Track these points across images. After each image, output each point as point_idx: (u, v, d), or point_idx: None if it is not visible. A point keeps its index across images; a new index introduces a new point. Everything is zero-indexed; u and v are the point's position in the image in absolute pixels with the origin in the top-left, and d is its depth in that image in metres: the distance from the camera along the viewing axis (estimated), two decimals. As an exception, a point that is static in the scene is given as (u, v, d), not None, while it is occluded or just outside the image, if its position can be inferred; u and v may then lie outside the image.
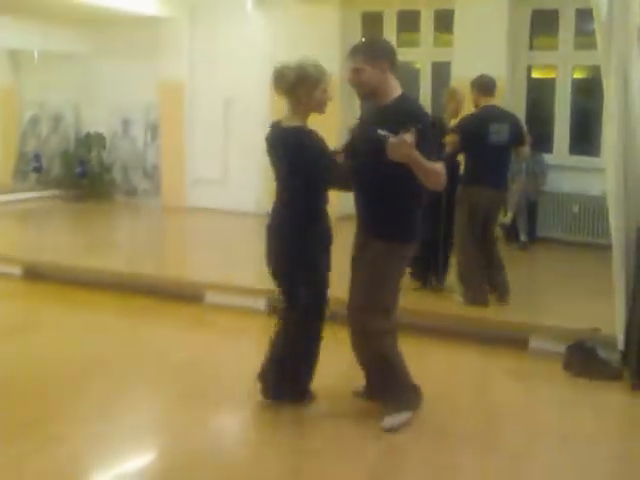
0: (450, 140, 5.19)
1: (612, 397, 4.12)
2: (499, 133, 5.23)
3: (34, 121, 11.24)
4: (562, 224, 7.80)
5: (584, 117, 8.32)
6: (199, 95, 9.61)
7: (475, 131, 5.22)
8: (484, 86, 5.35)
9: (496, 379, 4.38)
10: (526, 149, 5.64)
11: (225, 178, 9.53)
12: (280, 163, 3.48)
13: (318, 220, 3.48)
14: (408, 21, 8.67)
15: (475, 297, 5.24)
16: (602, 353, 4.44)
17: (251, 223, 7.75)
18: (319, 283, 3.55)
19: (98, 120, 10.46)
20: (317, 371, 3.71)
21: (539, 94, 8.63)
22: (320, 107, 3.41)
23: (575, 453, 3.44)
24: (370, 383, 3.67)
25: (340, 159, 3.52)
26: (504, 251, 5.84)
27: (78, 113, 10.75)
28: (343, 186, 3.61)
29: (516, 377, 4.41)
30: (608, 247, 4.53)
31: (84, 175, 10.38)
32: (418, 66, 8.75)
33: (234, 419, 3.80)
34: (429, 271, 5.62)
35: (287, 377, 3.59)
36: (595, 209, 7.52)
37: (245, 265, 6.42)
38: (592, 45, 4.80)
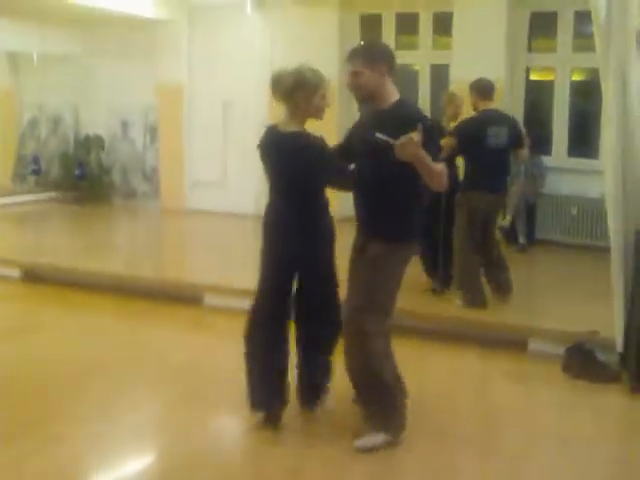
0: (447, 143, 5.20)
1: (611, 399, 4.12)
2: (497, 136, 5.24)
3: (33, 123, 11.24)
4: (561, 226, 7.81)
5: (582, 119, 8.33)
6: (198, 97, 9.62)
7: (473, 134, 5.23)
8: (483, 90, 5.36)
9: (495, 381, 4.38)
10: (525, 152, 5.65)
11: (224, 180, 9.53)
12: (276, 168, 3.44)
13: (327, 216, 3.49)
14: (407, 23, 8.67)
15: (474, 300, 5.25)
16: (601, 356, 4.45)
17: (250, 225, 7.74)
18: (334, 279, 3.58)
19: (97, 122, 10.46)
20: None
21: (538, 96, 8.64)
22: (318, 113, 3.39)
23: (574, 455, 3.44)
24: (357, 392, 3.55)
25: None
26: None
27: (77, 115, 10.74)
28: (343, 185, 3.59)
29: (515, 379, 4.41)
30: (607, 249, 4.53)
31: (83, 177, 10.38)
32: (417, 68, 8.76)
33: (233, 420, 3.81)
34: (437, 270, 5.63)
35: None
36: (594, 211, 7.52)
37: (244, 267, 6.40)
38: (591, 47, 4.82)
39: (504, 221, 7.44)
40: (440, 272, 5.66)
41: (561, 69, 8.05)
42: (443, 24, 8.36)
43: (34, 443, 3.40)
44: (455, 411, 3.90)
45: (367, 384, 3.43)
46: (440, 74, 8.44)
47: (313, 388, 3.69)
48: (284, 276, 3.49)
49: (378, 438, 3.37)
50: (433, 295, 5.57)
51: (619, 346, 4.37)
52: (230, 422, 3.82)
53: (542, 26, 8.19)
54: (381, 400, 3.41)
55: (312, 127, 3.41)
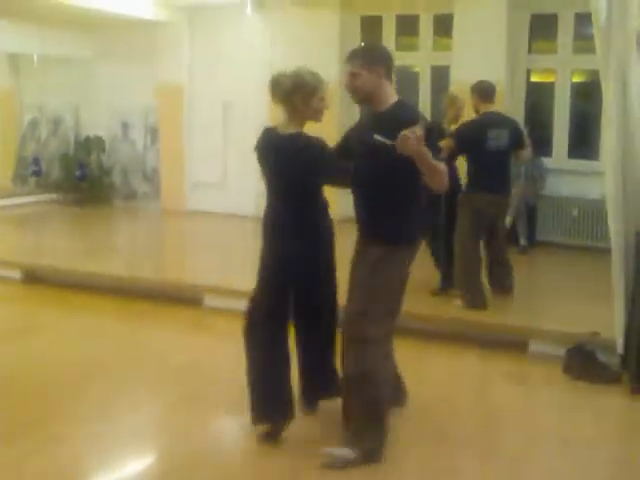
0: (446, 144, 5.21)
1: (611, 401, 4.12)
2: (498, 139, 5.25)
3: (33, 124, 11.24)
4: (561, 228, 7.81)
5: (583, 121, 8.34)
6: (198, 98, 9.63)
7: (473, 137, 5.24)
8: (484, 92, 5.37)
9: (496, 382, 4.38)
10: (526, 152, 5.65)
11: (224, 181, 9.54)
12: (275, 169, 3.41)
13: (326, 217, 3.48)
14: (407, 25, 8.68)
15: (474, 300, 5.25)
16: (601, 357, 4.45)
17: (250, 226, 7.74)
18: (333, 280, 3.57)
19: (97, 123, 10.47)
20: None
21: (538, 98, 8.64)
22: (317, 115, 3.38)
23: (575, 457, 3.44)
24: (346, 398, 3.41)
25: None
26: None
27: (77, 116, 10.75)
28: (344, 183, 3.57)
29: (516, 380, 4.41)
30: (607, 251, 4.53)
31: (83, 179, 10.39)
32: (417, 70, 8.76)
33: (233, 421, 3.80)
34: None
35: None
36: (594, 213, 7.53)
37: (244, 268, 6.39)
38: (591, 49, 4.82)
39: (505, 222, 7.43)
40: (440, 273, 5.67)
41: (561, 71, 8.05)
42: (443, 26, 8.36)
43: (34, 443, 3.40)
44: (455, 412, 3.90)
45: (360, 394, 3.30)
46: (440, 76, 8.44)
47: (314, 388, 3.69)
48: (282, 277, 3.45)
49: (350, 455, 3.22)
50: (432, 296, 5.57)
51: (620, 347, 4.37)
52: (230, 423, 3.82)
53: (542, 28, 8.19)
54: (369, 414, 3.28)
55: (313, 128, 3.40)
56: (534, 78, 8.49)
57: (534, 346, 4.79)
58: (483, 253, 5.53)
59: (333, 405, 3.60)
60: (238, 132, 9.13)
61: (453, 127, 5.55)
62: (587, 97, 8.37)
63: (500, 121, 5.38)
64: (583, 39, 7.85)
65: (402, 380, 3.85)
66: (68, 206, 10.26)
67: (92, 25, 9.76)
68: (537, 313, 5.28)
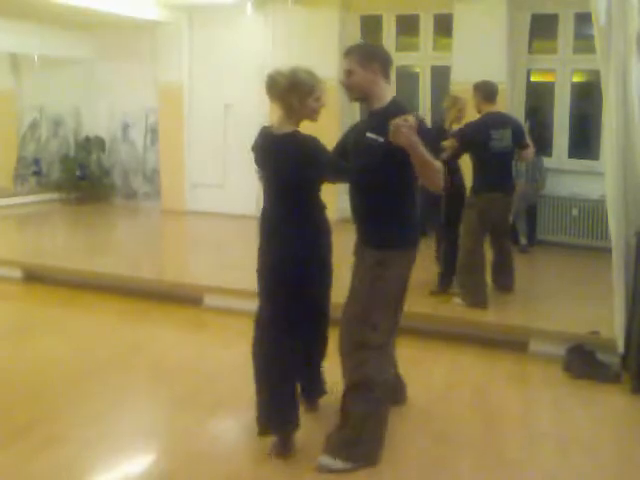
0: (448, 144, 5.22)
1: (612, 400, 4.12)
2: (502, 139, 5.28)
3: (34, 125, 11.24)
4: (562, 228, 7.81)
5: (583, 121, 8.35)
6: (198, 99, 9.63)
7: (477, 138, 5.27)
8: (488, 93, 5.39)
9: (496, 382, 4.37)
10: (530, 151, 5.66)
11: (224, 182, 9.54)
12: (270, 169, 3.36)
13: (322, 218, 3.42)
14: (407, 25, 8.68)
15: (474, 299, 5.25)
16: (602, 356, 4.45)
17: (250, 226, 7.75)
18: (329, 282, 3.52)
19: (98, 124, 10.48)
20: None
21: (538, 98, 8.65)
22: (312, 115, 3.31)
23: (575, 456, 3.44)
24: (343, 405, 3.31)
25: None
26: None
27: (78, 117, 10.75)
28: (341, 180, 3.53)
29: (516, 380, 4.41)
30: (608, 250, 4.54)
31: (84, 179, 10.39)
32: (417, 70, 8.77)
33: (233, 421, 3.80)
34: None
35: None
36: (594, 213, 7.55)
37: (244, 268, 6.40)
38: (591, 49, 4.82)
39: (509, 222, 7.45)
40: (440, 273, 5.68)
41: (562, 71, 8.05)
42: (444, 26, 8.36)
43: (33, 445, 3.40)
44: (455, 412, 3.89)
45: (360, 402, 3.23)
46: (441, 76, 8.44)
47: (315, 387, 3.68)
48: (278, 279, 3.35)
49: (343, 466, 3.18)
50: (431, 295, 5.56)
51: (620, 347, 4.37)
52: (230, 423, 3.81)
53: (543, 28, 8.19)
54: (368, 422, 3.23)
55: (314, 127, 3.37)
56: (534, 78, 8.49)
57: (534, 345, 4.79)
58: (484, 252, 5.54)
59: (334, 406, 3.60)
60: (238, 132, 9.12)
61: (455, 127, 5.56)
62: (587, 97, 8.37)
63: (503, 121, 5.40)
64: (583, 39, 7.86)
65: (401, 379, 3.85)
66: (69, 206, 10.28)
67: (92, 25, 9.77)
68: (537, 313, 5.29)
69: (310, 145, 3.23)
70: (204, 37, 9.46)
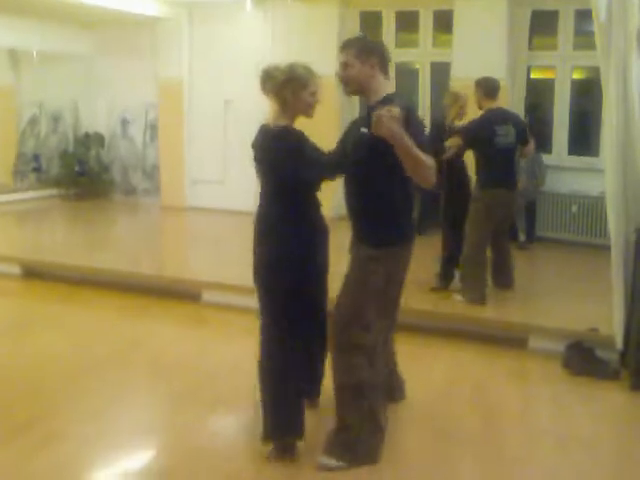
0: (452, 143, 5.22)
1: (611, 396, 4.13)
2: (506, 135, 5.30)
3: (33, 121, 11.23)
4: (561, 224, 7.81)
5: (583, 118, 8.33)
6: (198, 95, 9.61)
7: (481, 134, 5.27)
8: (490, 89, 5.39)
9: (496, 379, 4.38)
10: (531, 147, 5.67)
11: (224, 178, 9.53)
12: (260, 166, 3.30)
13: (315, 216, 3.37)
14: (407, 21, 8.66)
15: (474, 295, 5.26)
16: (601, 353, 4.46)
17: (250, 222, 7.74)
18: (324, 280, 3.48)
19: (97, 120, 10.46)
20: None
21: (538, 95, 8.64)
22: (307, 110, 3.24)
23: (574, 452, 3.44)
24: (336, 408, 3.27)
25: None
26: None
27: (77, 113, 10.74)
28: (325, 178, 3.38)
29: (515, 377, 4.41)
30: (607, 247, 4.54)
31: (83, 175, 10.39)
32: (417, 67, 8.75)
33: (232, 417, 3.80)
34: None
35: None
36: (594, 209, 7.54)
37: (242, 264, 6.40)
38: (591, 46, 4.81)
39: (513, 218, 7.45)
40: (440, 270, 5.68)
41: (562, 67, 8.04)
42: (443, 22, 8.35)
43: (32, 442, 3.40)
44: (455, 409, 3.89)
45: (352, 405, 3.19)
46: (440, 72, 8.43)
47: (316, 385, 3.65)
48: (272, 278, 3.30)
49: (340, 464, 3.16)
50: (432, 292, 5.56)
51: (619, 343, 4.37)
52: (230, 419, 3.81)
53: (543, 24, 8.18)
54: (363, 423, 3.20)
55: (313, 124, 3.35)
56: (534, 75, 8.48)
57: (534, 342, 4.80)
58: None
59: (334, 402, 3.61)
60: (238, 128, 9.11)
61: (457, 123, 5.56)
62: (587, 94, 8.36)
63: (507, 117, 5.42)
64: (584, 35, 7.84)
65: (400, 377, 3.83)
66: (68, 202, 10.27)
67: (92, 21, 9.75)
68: (537, 309, 5.29)
69: (292, 142, 3.15)
70: (204, 33, 9.44)
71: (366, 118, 3.16)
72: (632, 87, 4.22)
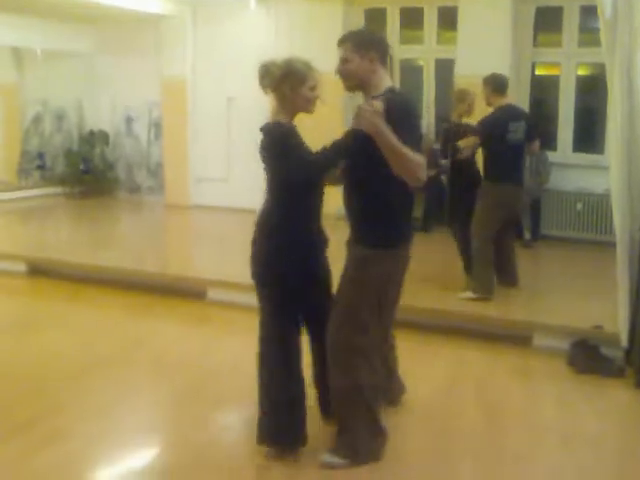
0: (468, 143, 5.22)
1: (615, 394, 4.12)
2: (517, 132, 5.33)
3: (37, 119, 11.25)
4: (566, 222, 7.79)
5: (588, 115, 8.30)
6: (202, 93, 9.61)
7: (496, 131, 5.29)
8: (498, 85, 5.41)
9: (499, 376, 4.37)
10: (537, 144, 5.69)
11: (228, 175, 9.54)
12: (263, 162, 3.21)
13: (313, 217, 3.30)
14: (411, 18, 8.63)
15: (483, 288, 5.28)
16: (605, 350, 4.44)
17: (254, 220, 7.75)
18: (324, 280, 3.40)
19: (101, 118, 10.48)
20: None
21: (543, 92, 8.61)
22: (307, 105, 3.12)
23: (578, 450, 3.43)
24: (335, 410, 3.27)
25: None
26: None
27: (81, 111, 10.76)
28: (312, 174, 3.24)
29: (519, 374, 4.40)
30: (612, 245, 4.52)
31: (88, 173, 10.40)
32: (421, 63, 8.73)
33: (236, 416, 3.80)
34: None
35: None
36: (599, 207, 7.52)
37: (247, 262, 6.40)
38: (596, 42, 4.80)
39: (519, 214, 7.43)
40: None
41: (567, 64, 8.01)
42: (448, 18, 8.32)
43: (35, 440, 3.40)
44: (459, 406, 3.89)
45: (350, 408, 3.16)
46: (445, 69, 8.40)
47: (327, 398, 3.43)
48: (269, 278, 3.28)
49: (343, 462, 3.15)
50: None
51: (624, 341, 4.36)
52: (232, 417, 3.81)
53: (548, 21, 8.15)
54: (361, 425, 3.17)
55: (316, 121, 3.30)
56: (539, 71, 8.45)
57: (538, 340, 4.79)
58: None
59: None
60: (242, 125, 9.12)
61: (465, 120, 5.57)
62: (592, 91, 8.32)
63: (518, 114, 5.47)
64: (589, 32, 7.81)
65: (400, 381, 3.77)
66: (72, 200, 10.29)
67: (96, 19, 9.76)
68: (541, 307, 5.28)
69: (277, 134, 3.07)
70: (208, 31, 9.44)
71: None
72: (637, 84, 4.20)
